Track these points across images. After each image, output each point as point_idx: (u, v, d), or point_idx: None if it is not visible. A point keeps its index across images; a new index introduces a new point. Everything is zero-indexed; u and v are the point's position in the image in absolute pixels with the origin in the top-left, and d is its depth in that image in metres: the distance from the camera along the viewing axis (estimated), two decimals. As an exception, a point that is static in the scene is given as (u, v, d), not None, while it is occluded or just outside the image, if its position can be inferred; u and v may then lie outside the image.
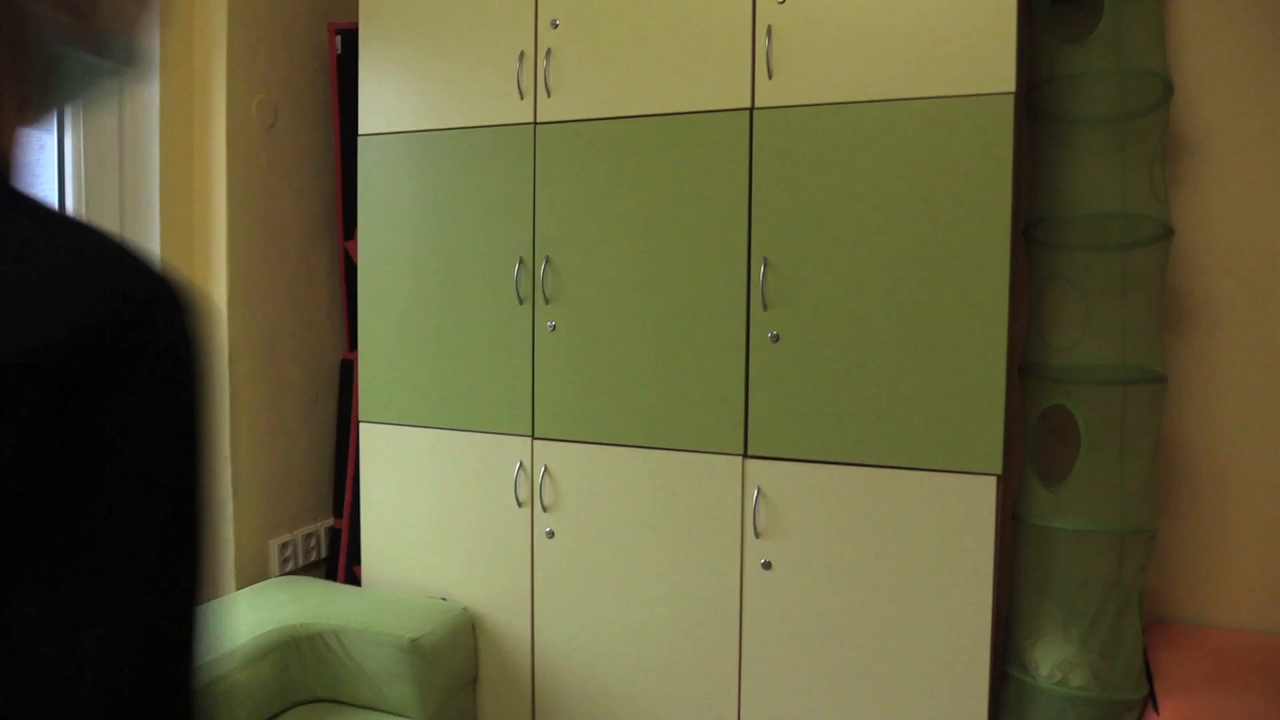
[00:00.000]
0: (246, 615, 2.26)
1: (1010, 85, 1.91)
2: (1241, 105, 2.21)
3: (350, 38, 2.64)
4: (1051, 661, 2.14)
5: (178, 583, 0.47)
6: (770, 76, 2.07)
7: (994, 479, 1.96)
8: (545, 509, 2.31)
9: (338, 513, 2.82)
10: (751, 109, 2.09)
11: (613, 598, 2.27)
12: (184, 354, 0.48)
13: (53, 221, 0.48)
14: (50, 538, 0.42)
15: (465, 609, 2.41)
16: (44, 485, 0.42)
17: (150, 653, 0.45)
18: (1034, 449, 2.23)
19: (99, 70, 0.61)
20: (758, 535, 2.13)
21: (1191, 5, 2.24)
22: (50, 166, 2.30)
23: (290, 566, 2.71)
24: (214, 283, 2.51)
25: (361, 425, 2.53)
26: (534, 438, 2.32)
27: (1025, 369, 2.24)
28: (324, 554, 2.84)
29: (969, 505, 1.98)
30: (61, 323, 0.44)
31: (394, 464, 2.50)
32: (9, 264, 0.45)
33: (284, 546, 2.69)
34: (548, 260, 2.27)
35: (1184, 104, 2.25)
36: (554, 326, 2.27)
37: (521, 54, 2.27)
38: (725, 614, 2.16)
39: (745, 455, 2.14)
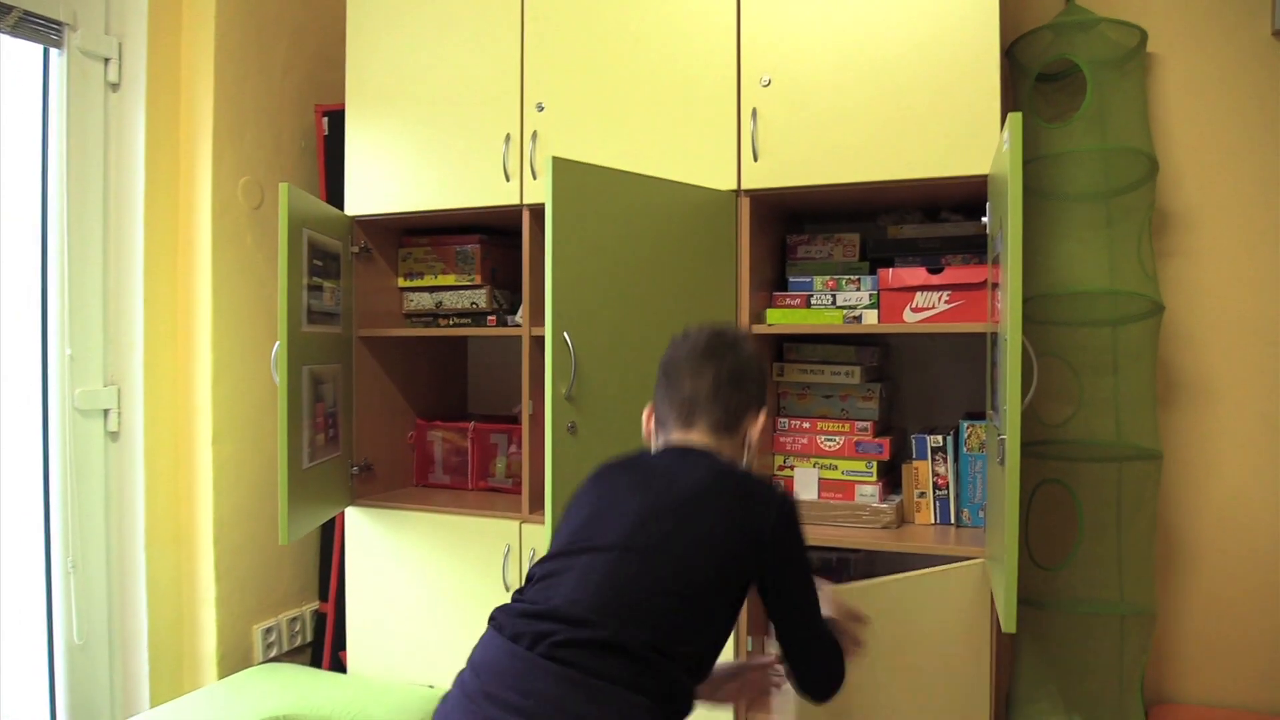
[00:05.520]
0: (229, 706, 2.20)
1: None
2: (1227, 179, 2.22)
3: (337, 119, 2.65)
4: (1054, 748, 2.09)
5: (811, 591, 1.44)
6: (756, 159, 2.07)
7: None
8: (534, 593, 2.26)
9: (323, 596, 2.76)
10: (738, 192, 2.09)
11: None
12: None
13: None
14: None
15: (453, 697, 2.34)
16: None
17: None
18: (1026, 528, 2.20)
19: None
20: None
21: (1175, 82, 2.26)
22: (34, 246, 2.29)
23: (274, 652, 2.65)
24: (198, 363, 2.48)
25: (347, 507, 2.49)
26: (522, 520, 2.28)
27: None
28: (309, 638, 2.78)
29: (965, 586, 1.94)
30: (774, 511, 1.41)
31: (380, 546, 2.46)
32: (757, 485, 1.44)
33: (268, 631, 2.63)
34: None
35: (1170, 179, 2.25)
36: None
37: (508, 136, 2.27)
38: (719, 702, 2.11)
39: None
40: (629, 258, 1.94)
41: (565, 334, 1.81)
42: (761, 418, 1.58)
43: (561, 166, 1.80)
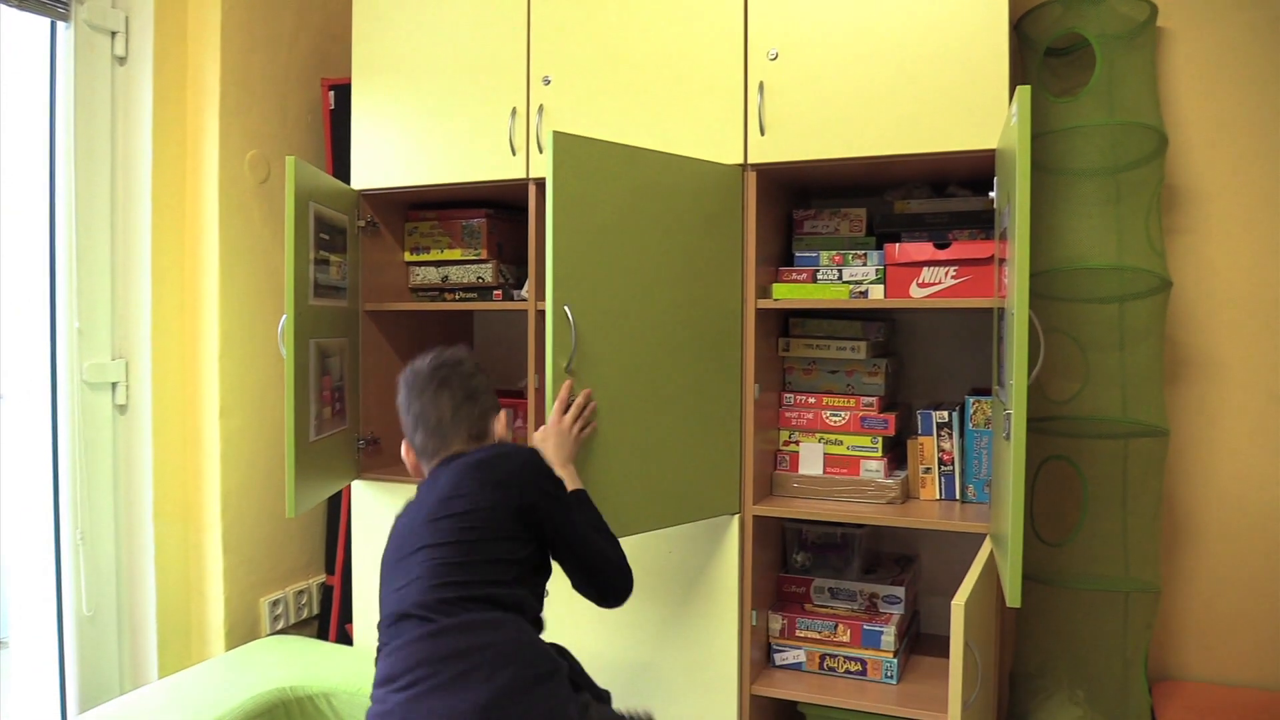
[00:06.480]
0: (236, 677, 2.22)
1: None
2: (1237, 155, 2.20)
3: (343, 93, 2.64)
4: (1056, 723, 2.10)
5: (578, 515, 1.67)
6: (762, 133, 2.06)
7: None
8: (539, 567, 2.27)
9: (330, 569, 2.78)
10: (744, 166, 2.09)
11: (618, 651, 2.23)
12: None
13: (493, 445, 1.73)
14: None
15: (459, 669, 2.36)
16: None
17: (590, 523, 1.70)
18: (1031, 504, 2.20)
19: None
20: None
21: (1184, 56, 2.24)
22: (42, 220, 2.30)
23: (281, 624, 2.67)
24: (205, 336, 2.49)
25: (354, 480, 2.50)
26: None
27: (1024, 423, 2.21)
28: (316, 611, 2.80)
29: (970, 563, 1.95)
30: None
31: (386, 520, 2.45)
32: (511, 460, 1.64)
33: (275, 604, 2.65)
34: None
35: (1179, 155, 2.24)
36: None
37: (514, 110, 2.27)
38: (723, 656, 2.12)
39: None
40: (634, 232, 1.93)
41: (566, 308, 1.81)
42: (503, 416, 1.79)
43: (562, 141, 1.79)
